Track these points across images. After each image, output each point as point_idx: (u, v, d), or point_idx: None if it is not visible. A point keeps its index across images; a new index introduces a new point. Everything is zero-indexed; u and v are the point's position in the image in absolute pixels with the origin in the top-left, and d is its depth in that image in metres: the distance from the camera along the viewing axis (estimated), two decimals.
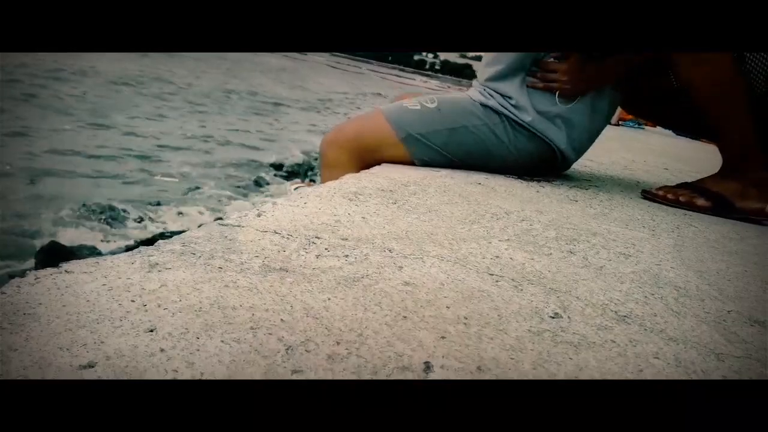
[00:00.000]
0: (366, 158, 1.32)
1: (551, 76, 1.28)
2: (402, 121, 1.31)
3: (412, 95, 1.45)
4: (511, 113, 1.30)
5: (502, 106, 1.31)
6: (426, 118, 1.31)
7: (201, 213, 3.72)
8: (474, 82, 1.41)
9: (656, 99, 1.43)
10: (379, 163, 1.31)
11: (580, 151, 1.41)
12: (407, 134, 1.29)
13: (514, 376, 0.44)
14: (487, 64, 1.35)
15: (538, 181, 1.35)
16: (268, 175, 5.14)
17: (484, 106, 1.32)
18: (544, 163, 1.38)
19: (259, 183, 4.64)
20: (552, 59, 1.28)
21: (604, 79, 1.31)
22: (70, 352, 0.40)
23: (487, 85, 1.34)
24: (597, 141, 1.45)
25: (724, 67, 1.18)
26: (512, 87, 1.31)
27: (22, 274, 0.51)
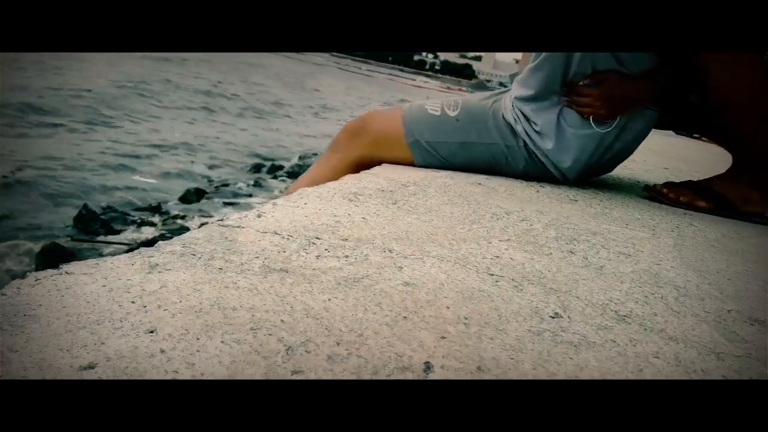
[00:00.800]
0: (371, 154, 1.30)
1: (583, 100, 1.22)
2: (414, 125, 1.29)
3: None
4: (533, 140, 1.26)
5: (525, 132, 1.27)
6: (440, 127, 1.28)
7: (201, 216, 3.72)
8: (506, 96, 1.34)
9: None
10: (379, 162, 1.31)
11: (596, 171, 1.36)
12: (415, 140, 1.28)
13: (514, 376, 0.44)
14: (520, 82, 1.30)
15: (539, 181, 1.35)
16: (267, 178, 5.13)
17: (508, 124, 1.28)
18: (548, 180, 1.35)
19: (259, 185, 4.64)
20: (582, 84, 1.22)
21: (639, 100, 1.25)
22: (70, 354, 0.40)
23: (516, 104, 1.29)
24: None
25: (757, 71, 1.17)
26: (538, 111, 1.26)
27: (23, 275, 0.51)
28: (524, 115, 1.27)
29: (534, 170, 1.31)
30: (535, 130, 1.26)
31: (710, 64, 1.18)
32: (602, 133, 1.25)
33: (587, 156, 1.27)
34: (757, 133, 1.24)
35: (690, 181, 1.39)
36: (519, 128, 1.27)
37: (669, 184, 1.38)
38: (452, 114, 1.29)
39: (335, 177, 1.23)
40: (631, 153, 1.35)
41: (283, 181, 5.12)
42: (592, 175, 1.38)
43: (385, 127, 1.32)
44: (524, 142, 1.27)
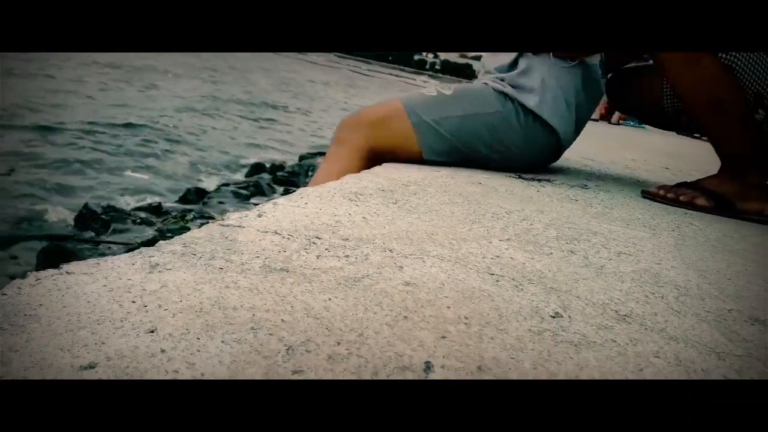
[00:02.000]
0: (376, 142, 1.32)
1: None
2: (416, 107, 1.33)
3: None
4: (521, 98, 1.34)
5: (514, 88, 1.34)
6: (440, 104, 1.33)
7: (202, 216, 3.72)
8: (480, 76, 1.45)
9: (653, 102, 1.44)
10: (386, 153, 1.31)
11: (576, 133, 1.47)
12: (419, 119, 1.31)
13: (514, 375, 0.44)
14: (493, 55, 1.42)
15: (539, 180, 1.35)
16: (267, 179, 5.12)
17: (498, 92, 1.35)
18: (547, 153, 1.43)
19: (259, 186, 4.63)
20: None
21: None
22: (70, 353, 0.40)
23: (499, 75, 1.38)
24: (597, 140, 1.49)
25: (713, 69, 1.19)
26: (520, 71, 1.35)
27: (23, 275, 0.51)
28: (505, 79, 1.37)
29: (536, 134, 1.36)
30: (521, 89, 1.34)
31: (665, 65, 1.21)
32: (568, 68, 1.36)
33: (559, 90, 1.36)
34: (723, 132, 1.25)
35: (685, 182, 1.39)
36: (509, 90, 1.34)
37: (665, 187, 1.38)
38: (447, 93, 1.36)
39: (352, 168, 1.27)
40: (587, 120, 1.49)
41: (283, 178, 5.10)
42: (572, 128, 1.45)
43: (383, 111, 1.36)
44: (518, 102, 1.33)
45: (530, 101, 1.33)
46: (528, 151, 1.38)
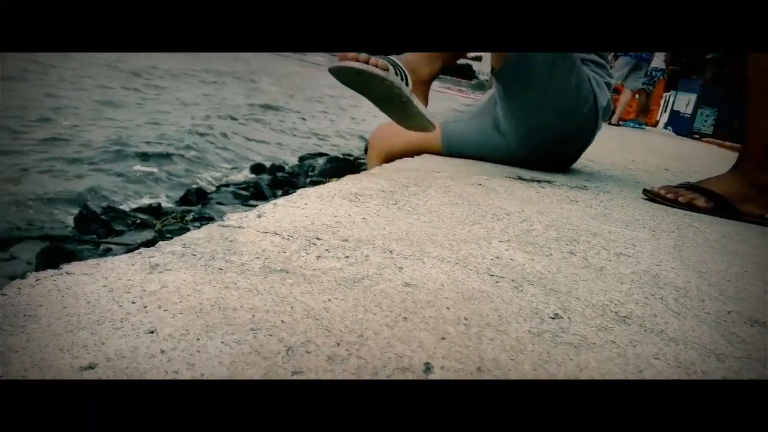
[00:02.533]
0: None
1: None
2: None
3: None
4: (596, 91, 1.48)
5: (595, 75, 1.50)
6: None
7: (201, 216, 3.72)
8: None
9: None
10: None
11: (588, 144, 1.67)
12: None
13: (514, 377, 0.44)
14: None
15: (539, 182, 1.35)
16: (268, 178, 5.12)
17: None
18: (576, 132, 1.55)
19: (259, 186, 4.62)
20: None
21: None
22: (70, 354, 0.40)
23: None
24: (597, 141, 1.59)
25: None
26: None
27: (23, 275, 0.51)
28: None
29: (588, 122, 1.51)
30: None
31: (749, 65, 1.22)
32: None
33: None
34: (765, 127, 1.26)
35: (688, 182, 1.39)
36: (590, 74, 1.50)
37: (666, 187, 1.38)
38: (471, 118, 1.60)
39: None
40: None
41: (283, 179, 5.09)
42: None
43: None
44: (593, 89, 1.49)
45: (603, 100, 1.50)
46: (570, 134, 1.50)
